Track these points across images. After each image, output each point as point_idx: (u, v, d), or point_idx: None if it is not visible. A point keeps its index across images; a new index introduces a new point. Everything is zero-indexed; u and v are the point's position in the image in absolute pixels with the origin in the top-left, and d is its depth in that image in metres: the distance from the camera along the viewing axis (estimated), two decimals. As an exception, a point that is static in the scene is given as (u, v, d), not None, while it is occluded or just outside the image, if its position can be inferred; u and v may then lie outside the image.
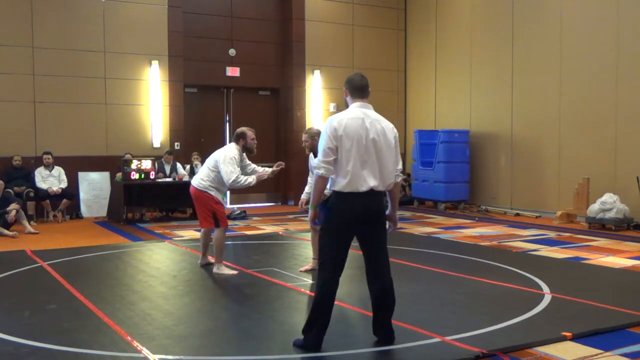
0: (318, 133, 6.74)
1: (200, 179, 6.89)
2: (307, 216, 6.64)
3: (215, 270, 6.89)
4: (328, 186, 4.29)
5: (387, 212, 4.45)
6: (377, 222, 4.32)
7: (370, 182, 4.19)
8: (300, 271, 6.87)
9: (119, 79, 12.60)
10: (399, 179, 4.44)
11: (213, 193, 6.80)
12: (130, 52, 12.66)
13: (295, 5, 14.25)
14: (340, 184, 4.21)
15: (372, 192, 4.20)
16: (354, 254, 7.97)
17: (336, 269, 4.27)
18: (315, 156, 6.61)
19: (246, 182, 6.60)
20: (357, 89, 4.41)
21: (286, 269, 6.91)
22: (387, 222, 4.44)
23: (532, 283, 6.26)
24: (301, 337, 4.35)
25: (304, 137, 6.87)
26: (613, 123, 10.96)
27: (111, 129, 12.55)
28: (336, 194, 4.25)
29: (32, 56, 11.86)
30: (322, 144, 4.24)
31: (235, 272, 6.87)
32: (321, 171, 4.21)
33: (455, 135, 13.39)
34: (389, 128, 4.35)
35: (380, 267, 4.36)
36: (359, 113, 4.28)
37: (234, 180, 6.57)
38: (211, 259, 7.28)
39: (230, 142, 7.18)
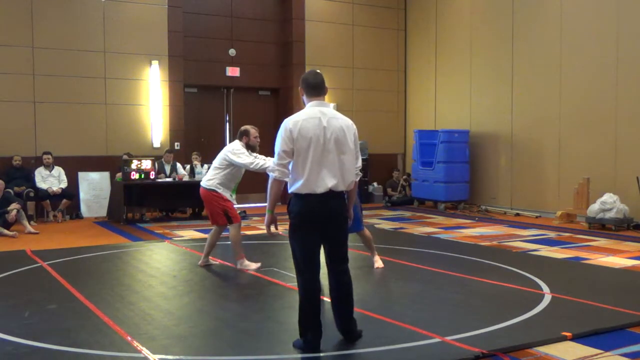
0: None
1: (208, 179, 7.04)
2: None
3: (238, 266, 6.96)
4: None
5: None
6: (337, 222, 4.28)
7: (329, 182, 4.14)
8: None
9: (119, 79, 12.60)
10: (357, 178, 4.39)
11: (220, 191, 6.92)
12: (130, 52, 12.66)
13: (295, 5, 14.25)
14: (297, 186, 4.16)
15: (330, 192, 4.15)
16: (354, 253, 7.97)
17: (312, 269, 4.23)
18: None
19: (265, 165, 6.62)
20: (312, 87, 4.31)
21: (286, 269, 6.91)
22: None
23: (532, 283, 6.26)
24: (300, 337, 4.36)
25: None
26: (613, 123, 10.96)
27: (111, 129, 12.55)
28: (294, 196, 4.21)
29: (32, 56, 11.86)
30: (277, 147, 4.19)
31: (258, 264, 6.98)
32: (276, 174, 4.18)
33: (455, 135, 13.39)
34: (348, 125, 4.28)
35: (339, 264, 4.36)
36: (316, 112, 4.22)
37: (253, 164, 6.69)
38: (213, 260, 7.29)
39: (231, 141, 7.23)
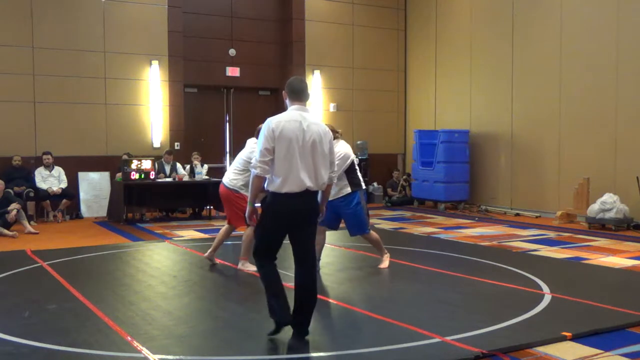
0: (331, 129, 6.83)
1: (231, 178, 6.96)
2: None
3: (240, 266, 6.93)
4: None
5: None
6: (309, 220, 4.48)
7: (306, 182, 4.34)
8: None
9: (119, 79, 12.60)
10: (332, 181, 4.65)
11: (243, 192, 6.85)
12: (130, 52, 12.66)
13: (295, 5, 14.25)
14: (276, 183, 4.34)
15: (307, 192, 4.36)
16: (355, 253, 7.97)
17: (272, 261, 4.51)
18: None
19: None
20: (295, 92, 4.51)
21: (286, 269, 6.89)
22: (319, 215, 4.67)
23: (532, 283, 6.26)
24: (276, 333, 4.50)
25: None
26: (613, 123, 10.96)
27: (111, 129, 12.55)
28: (272, 194, 4.39)
29: (32, 56, 11.86)
30: (259, 145, 4.38)
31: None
32: (257, 170, 4.35)
33: (455, 135, 13.39)
34: (326, 131, 4.51)
35: (306, 264, 4.50)
36: (297, 116, 4.42)
37: None
38: (217, 260, 7.27)
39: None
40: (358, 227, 6.79)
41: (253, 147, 6.79)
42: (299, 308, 4.50)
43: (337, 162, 6.60)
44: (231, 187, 6.93)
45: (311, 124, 4.42)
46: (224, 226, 7.31)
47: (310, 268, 4.52)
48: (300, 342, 4.45)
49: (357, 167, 6.82)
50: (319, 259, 6.95)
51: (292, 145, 4.32)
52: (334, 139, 6.92)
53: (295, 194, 4.32)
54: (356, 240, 7.79)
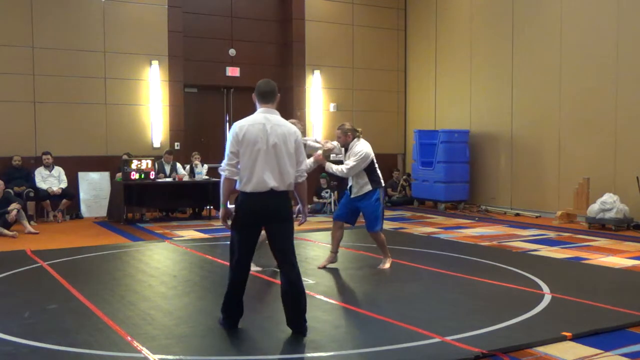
0: (351, 130, 6.87)
1: None
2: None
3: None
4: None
5: (298, 207, 4.90)
6: (281, 219, 4.59)
7: (270, 182, 4.50)
8: (319, 268, 6.96)
9: (119, 79, 12.60)
10: (301, 179, 4.72)
11: None
12: (130, 52, 12.66)
13: (295, 5, 14.25)
14: (244, 184, 4.54)
15: (272, 192, 4.51)
16: (355, 254, 7.97)
17: (246, 262, 4.65)
18: (346, 152, 6.77)
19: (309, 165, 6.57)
20: (262, 95, 4.67)
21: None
22: (300, 215, 4.86)
23: (532, 283, 6.26)
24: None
25: (337, 132, 7.02)
26: (613, 123, 10.96)
27: (111, 129, 12.55)
28: (241, 194, 4.57)
29: (32, 56, 11.86)
30: (226, 148, 4.59)
31: (258, 268, 6.83)
32: (225, 173, 4.57)
33: (455, 135, 13.39)
34: (291, 132, 4.62)
35: (286, 261, 4.62)
36: (261, 118, 4.59)
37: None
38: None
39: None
40: (371, 222, 6.87)
41: None
42: (290, 309, 4.62)
43: (356, 161, 6.74)
44: None
45: (275, 125, 4.57)
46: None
47: (291, 268, 4.61)
48: (300, 342, 4.45)
49: (376, 166, 6.93)
50: (336, 252, 7.06)
51: (256, 147, 4.49)
52: (354, 137, 7.03)
53: (260, 193, 4.50)
54: (356, 240, 7.80)
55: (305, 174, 4.79)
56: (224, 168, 4.57)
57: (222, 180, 4.63)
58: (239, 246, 4.60)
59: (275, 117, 4.64)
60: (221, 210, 4.68)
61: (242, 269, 4.66)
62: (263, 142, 4.50)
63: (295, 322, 4.61)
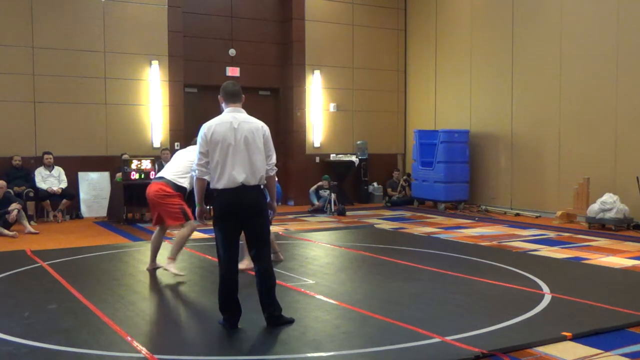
0: None
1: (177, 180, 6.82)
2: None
3: (165, 266, 6.63)
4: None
5: (267, 200, 4.97)
6: (254, 212, 4.75)
7: (240, 177, 4.67)
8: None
9: (119, 79, 12.60)
10: (272, 172, 4.92)
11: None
12: (130, 52, 12.66)
13: (295, 5, 14.25)
14: (216, 181, 4.72)
15: (243, 187, 4.69)
16: (355, 253, 7.96)
17: (230, 256, 4.77)
18: None
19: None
20: (229, 95, 4.88)
21: (286, 269, 6.91)
22: (269, 210, 4.97)
23: (532, 283, 6.26)
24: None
25: None
26: (613, 123, 10.96)
27: (111, 129, 12.55)
28: (215, 191, 4.75)
29: (32, 56, 11.86)
30: (197, 149, 4.81)
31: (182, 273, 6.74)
32: (197, 173, 4.79)
33: (455, 135, 13.39)
34: (258, 127, 4.82)
35: (260, 252, 4.82)
36: (229, 117, 4.79)
37: None
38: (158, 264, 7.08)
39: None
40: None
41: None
42: (264, 295, 4.83)
43: None
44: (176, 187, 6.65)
45: (242, 122, 4.77)
46: (155, 232, 7.00)
47: (262, 258, 4.81)
48: (300, 342, 4.45)
49: None
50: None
51: (225, 144, 4.68)
52: None
53: (232, 189, 4.67)
54: (356, 240, 7.80)
55: (276, 168, 4.96)
56: (195, 168, 4.79)
57: (194, 179, 4.87)
58: (222, 242, 4.74)
59: (242, 115, 4.83)
60: (197, 209, 4.94)
61: (229, 264, 4.75)
62: (231, 139, 4.69)
63: (270, 310, 4.81)
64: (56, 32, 12.05)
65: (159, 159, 12.01)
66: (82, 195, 12.20)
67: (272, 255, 7.04)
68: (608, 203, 10.16)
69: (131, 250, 8.50)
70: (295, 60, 14.28)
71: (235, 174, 4.66)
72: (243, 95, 4.93)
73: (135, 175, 11.06)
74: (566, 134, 11.79)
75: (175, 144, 13.09)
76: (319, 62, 14.57)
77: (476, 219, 11.87)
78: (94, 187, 12.35)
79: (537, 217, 11.98)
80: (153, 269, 6.97)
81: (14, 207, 9.80)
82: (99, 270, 7.17)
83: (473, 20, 13.83)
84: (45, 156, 11.52)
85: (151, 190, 6.71)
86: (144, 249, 8.53)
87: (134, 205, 11.45)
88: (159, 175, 6.93)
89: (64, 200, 11.52)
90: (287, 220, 11.77)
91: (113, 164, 12.18)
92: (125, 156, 11.49)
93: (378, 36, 15.32)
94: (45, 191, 11.28)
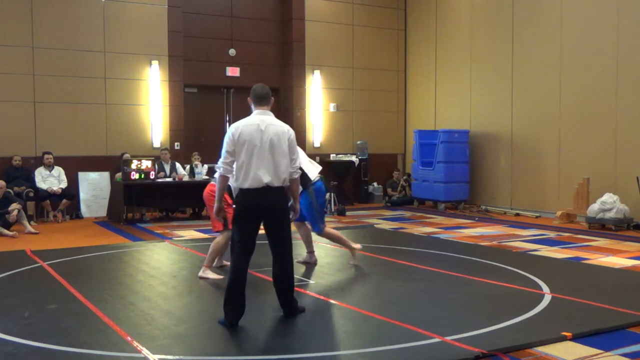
0: None
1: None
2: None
3: (200, 273, 6.64)
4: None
5: (290, 203, 5.12)
6: (276, 213, 4.91)
7: (265, 179, 4.80)
8: (298, 262, 7.00)
9: (119, 79, 12.60)
10: (296, 175, 5.04)
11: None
12: (130, 52, 12.66)
13: (295, 5, 14.24)
14: (240, 181, 4.85)
15: (267, 187, 4.82)
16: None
17: (245, 253, 4.89)
18: None
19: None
20: (258, 98, 5.02)
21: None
22: (290, 212, 5.11)
23: (532, 283, 6.26)
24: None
25: None
26: (613, 123, 10.95)
27: (111, 129, 12.55)
28: (239, 190, 4.90)
29: (32, 56, 11.86)
30: (223, 148, 4.92)
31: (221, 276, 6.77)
32: (221, 170, 4.91)
33: (455, 135, 13.39)
34: (284, 131, 4.95)
35: (280, 252, 4.97)
36: (256, 120, 4.92)
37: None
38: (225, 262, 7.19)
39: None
40: (310, 224, 7.13)
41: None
42: (282, 295, 5.03)
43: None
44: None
45: (269, 125, 4.90)
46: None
47: (283, 257, 4.96)
48: (300, 342, 4.46)
49: (304, 164, 6.79)
50: (310, 252, 7.26)
51: (250, 145, 4.81)
52: None
53: (256, 189, 4.80)
54: (356, 240, 7.79)
55: (299, 171, 5.08)
56: (219, 166, 4.90)
57: (217, 177, 4.99)
58: (239, 237, 4.88)
59: (270, 118, 4.95)
60: (216, 205, 5.05)
61: (242, 257, 4.86)
62: (258, 140, 4.81)
63: (287, 307, 5.02)
64: (56, 32, 12.05)
65: (159, 159, 12.02)
66: (82, 195, 12.20)
67: (307, 255, 7.31)
68: (608, 203, 10.16)
69: (131, 250, 8.50)
70: (295, 60, 14.28)
71: (260, 175, 4.78)
72: (272, 98, 5.07)
73: (135, 175, 11.05)
74: (566, 134, 11.79)
75: (175, 144, 13.10)
76: (319, 62, 14.57)
77: (476, 219, 11.87)
78: (94, 187, 12.35)
79: (537, 217, 11.98)
80: (220, 266, 7.08)
81: (14, 207, 9.80)
82: (99, 270, 7.17)
83: (473, 20, 13.83)
84: (45, 156, 11.52)
85: (205, 191, 6.93)
86: (144, 249, 8.54)
87: (134, 205, 11.45)
88: (214, 176, 6.95)
89: (64, 200, 11.52)
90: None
91: (113, 164, 12.18)
92: (127, 156, 11.50)
93: (378, 36, 15.32)
94: (45, 191, 11.28)
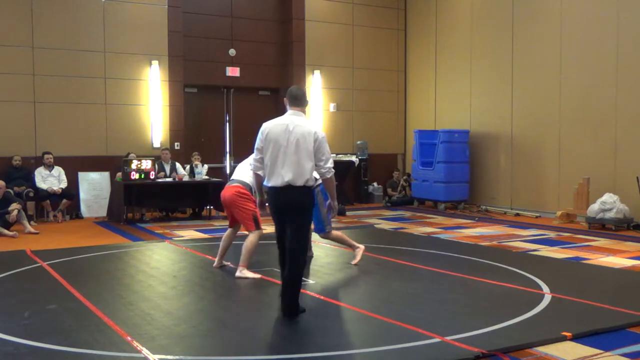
0: None
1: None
2: None
3: (238, 273, 6.64)
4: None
5: (328, 201, 5.41)
6: (294, 212, 5.01)
7: (287, 177, 4.94)
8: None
9: (119, 79, 12.60)
10: (329, 175, 5.11)
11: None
12: (130, 52, 12.66)
13: (295, 5, 14.24)
14: (267, 178, 5.07)
15: (289, 186, 4.95)
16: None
17: (279, 237, 5.17)
18: None
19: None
20: (292, 98, 5.17)
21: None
22: (328, 210, 5.30)
23: (532, 283, 6.26)
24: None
25: None
26: (613, 123, 10.96)
27: (111, 129, 12.55)
28: (267, 187, 5.10)
29: (32, 56, 11.86)
30: (255, 145, 5.15)
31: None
32: (252, 167, 5.21)
33: (455, 135, 13.39)
34: (310, 132, 5.02)
35: (291, 252, 5.03)
36: (286, 120, 5.08)
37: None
38: (225, 263, 7.21)
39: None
40: (316, 226, 7.08)
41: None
42: (287, 292, 5.07)
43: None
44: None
45: (297, 126, 5.01)
46: (227, 231, 7.12)
47: (292, 259, 5.01)
48: (300, 342, 4.45)
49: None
50: (357, 247, 7.27)
51: (277, 144, 4.98)
52: None
53: (279, 187, 4.97)
54: (356, 240, 7.79)
55: (333, 170, 5.14)
56: (252, 162, 5.21)
57: (253, 173, 5.30)
58: (276, 231, 5.18)
59: (299, 119, 5.08)
60: (257, 199, 5.41)
61: (279, 243, 5.16)
62: (284, 140, 4.97)
63: (288, 306, 5.02)
64: (56, 32, 12.05)
65: (159, 159, 12.03)
66: (82, 195, 12.20)
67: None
68: (608, 203, 10.16)
69: (131, 250, 8.50)
70: (295, 60, 14.28)
71: (283, 173, 4.93)
72: (308, 100, 5.26)
73: (135, 175, 11.05)
74: (566, 134, 11.79)
75: (175, 144, 13.10)
76: (319, 62, 14.57)
77: (476, 219, 11.87)
78: (94, 187, 12.35)
79: (537, 217, 11.98)
80: (219, 267, 7.07)
81: (14, 207, 9.80)
82: (99, 270, 7.17)
83: (473, 20, 13.83)
84: (45, 156, 11.52)
85: (228, 192, 6.74)
86: (144, 249, 8.54)
87: (134, 205, 11.45)
88: (232, 178, 6.94)
89: (64, 200, 11.52)
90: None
91: (113, 164, 12.18)
92: (132, 155, 11.50)
93: (378, 36, 15.32)
94: (45, 191, 11.28)
